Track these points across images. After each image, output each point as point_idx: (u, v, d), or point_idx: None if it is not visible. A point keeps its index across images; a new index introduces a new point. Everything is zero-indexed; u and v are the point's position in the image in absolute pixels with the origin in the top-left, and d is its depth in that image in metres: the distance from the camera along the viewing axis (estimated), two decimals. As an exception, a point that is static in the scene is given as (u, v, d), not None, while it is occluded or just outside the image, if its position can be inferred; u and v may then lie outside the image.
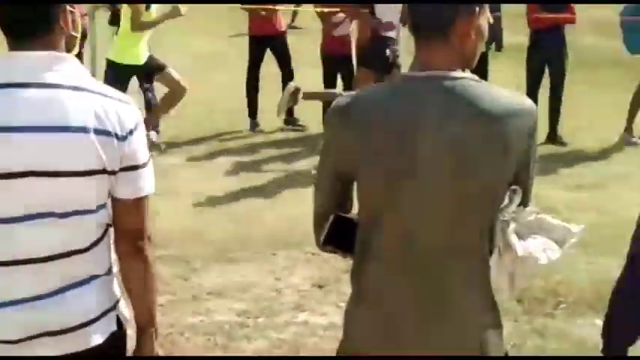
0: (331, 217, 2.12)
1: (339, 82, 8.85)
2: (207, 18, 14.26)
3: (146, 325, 2.29)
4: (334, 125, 2.09)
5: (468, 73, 2.01)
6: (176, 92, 7.98)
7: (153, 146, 7.72)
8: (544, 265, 2.04)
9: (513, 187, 2.01)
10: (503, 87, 2.05)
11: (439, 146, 1.95)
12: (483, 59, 8.44)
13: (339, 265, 4.92)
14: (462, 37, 1.99)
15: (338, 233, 2.13)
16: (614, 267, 4.14)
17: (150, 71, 7.90)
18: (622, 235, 3.85)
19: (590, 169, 7.79)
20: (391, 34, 7.87)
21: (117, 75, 7.59)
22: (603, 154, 8.35)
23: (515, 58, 10.25)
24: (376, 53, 7.75)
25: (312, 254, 5.32)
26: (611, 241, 5.30)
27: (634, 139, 8.69)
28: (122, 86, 7.68)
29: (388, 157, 1.98)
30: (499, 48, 13.71)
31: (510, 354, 2.23)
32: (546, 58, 8.71)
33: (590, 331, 4.28)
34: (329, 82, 8.80)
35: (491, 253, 2.03)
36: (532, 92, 8.51)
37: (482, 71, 8.28)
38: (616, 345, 2.33)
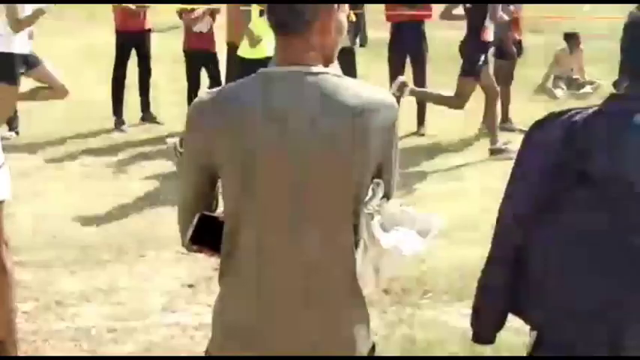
0: (196, 217, 2.09)
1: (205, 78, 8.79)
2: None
3: (6, 335, 2.19)
4: (195, 122, 2.05)
5: (329, 68, 2.02)
6: None
7: (10, 148, 7.44)
8: (408, 257, 2.07)
9: (376, 180, 2.03)
10: (367, 81, 2.06)
11: (298, 142, 1.94)
12: (350, 54, 8.56)
13: (209, 263, 4.87)
14: (322, 33, 1.99)
15: (204, 233, 2.10)
16: (477, 255, 4.24)
17: None
18: (484, 223, 3.96)
19: (453, 160, 8.01)
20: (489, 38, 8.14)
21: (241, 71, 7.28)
22: (465, 145, 8.60)
23: (377, 53, 10.42)
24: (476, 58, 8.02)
25: (182, 254, 5.24)
26: (474, 231, 5.47)
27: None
28: None
29: (248, 154, 1.96)
30: (363, 43, 13.92)
31: (379, 345, 2.26)
32: (406, 51, 8.92)
33: (457, 320, 4.39)
34: (193, 78, 8.72)
35: (356, 246, 2.05)
36: (395, 86, 8.69)
37: (350, 66, 8.40)
38: (485, 332, 2.40)
